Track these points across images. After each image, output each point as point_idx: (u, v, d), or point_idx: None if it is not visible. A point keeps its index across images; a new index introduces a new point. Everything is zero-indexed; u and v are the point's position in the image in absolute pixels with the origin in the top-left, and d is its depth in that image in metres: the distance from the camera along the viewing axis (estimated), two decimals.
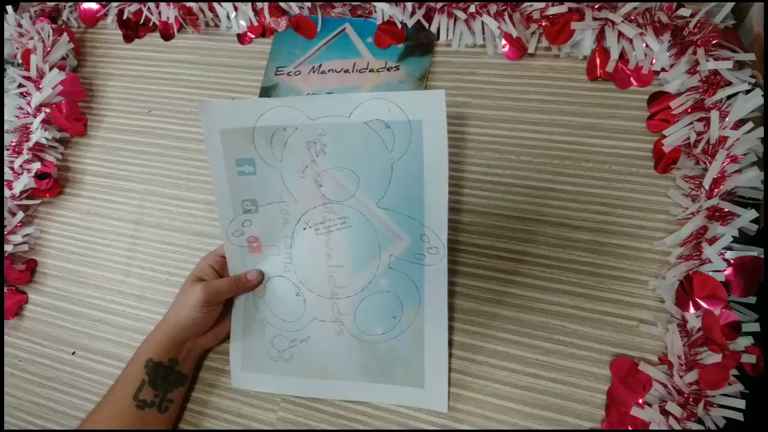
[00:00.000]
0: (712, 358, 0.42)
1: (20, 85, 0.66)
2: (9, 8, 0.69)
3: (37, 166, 0.63)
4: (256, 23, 0.64)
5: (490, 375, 0.49)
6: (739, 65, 0.47)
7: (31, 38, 0.68)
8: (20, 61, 0.68)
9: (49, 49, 0.67)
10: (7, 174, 0.64)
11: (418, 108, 0.46)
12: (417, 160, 0.47)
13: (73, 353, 0.60)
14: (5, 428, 0.59)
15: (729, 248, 0.43)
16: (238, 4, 0.64)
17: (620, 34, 0.51)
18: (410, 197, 0.48)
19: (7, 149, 0.64)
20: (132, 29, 0.70)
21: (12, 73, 0.66)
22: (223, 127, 0.49)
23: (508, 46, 0.56)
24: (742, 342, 0.42)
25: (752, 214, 0.43)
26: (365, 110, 0.47)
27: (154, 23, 0.68)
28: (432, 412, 0.49)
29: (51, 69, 0.66)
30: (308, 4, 0.62)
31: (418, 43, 0.59)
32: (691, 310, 0.44)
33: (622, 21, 0.50)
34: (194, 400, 0.55)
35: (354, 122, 0.47)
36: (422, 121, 0.46)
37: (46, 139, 0.64)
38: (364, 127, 0.47)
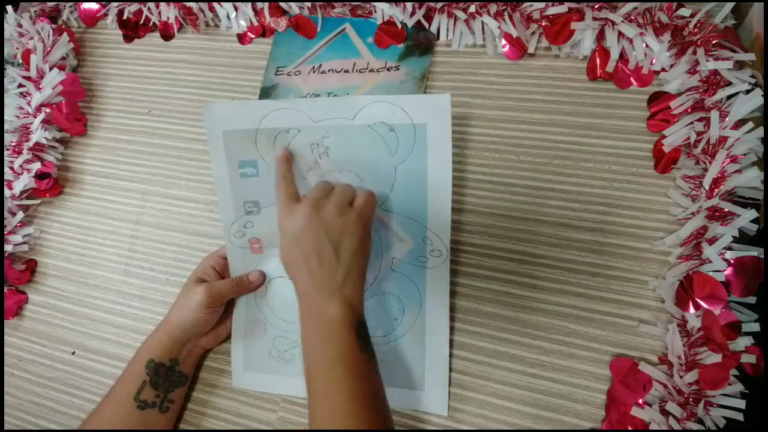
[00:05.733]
0: (712, 358, 0.42)
1: (20, 85, 0.66)
2: (9, 8, 0.69)
3: (37, 166, 0.63)
4: (256, 23, 0.64)
5: (490, 375, 0.49)
6: (739, 65, 0.47)
7: (31, 38, 0.68)
8: (20, 61, 0.68)
9: (49, 49, 0.67)
10: (7, 174, 0.64)
11: (423, 111, 0.46)
12: (421, 163, 0.47)
13: (73, 353, 0.60)
14: (5, 428, 0.59)
15: (729, 248, 0.44)
16: (238, 4, 0.64)
17: (620, 34, 0.51)
18: (413, 200, 0.48)
19: (7, 149, 0.64)
20: (132, 29, 0.70)
21: (12, 73, 0.66)
22: (226, 129, 0.49)
23: (508, 46, 0.56)
24: (742, 342, 0.42)
25: (752, 214, 0.43)
26: (369, 113, 0.47)
27: (154, 23, 0.68)
28: (432, 413, 0.49)
29: (51, 69, 0.66)
30: (308, 4, 0.62)
31: (418, 43, 0.59)
32: (691, 310, 0.44)
33: (622, 21, 0.50)
34: (194, 400, 0.55)
35: (358, 125, 0.47)
36: (427, 125, 0.46)
37: (46, 139, 0.64)
38: (367, 129, 0.47)
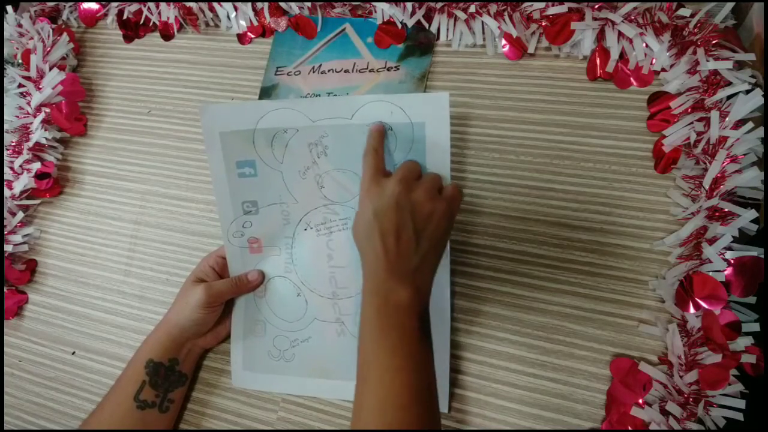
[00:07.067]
0: (712, 358, 0.42)
1: (20, 85, 0.66)
2: (9, 8, 0.69)
3: (37, 166, 0.63)
4: (256, 23, 0.64)
5: (490, 375, 0.49)
6: (739, 65, 0.47)
7: (31, 38, 0.68)
8: (20, 61, 0.68)
9: (49, 49, 0.67)
10: (7, 174, 0.64)
11: (422, 110, 0.46)
12: (420, 162, 0.47)
13: (73, 353, 0.60)
14: (5, 428, 0.59)
15: (729, 248, 0.44)
16: (238, 4, 0.64)
17: (620, 34, 0.51)
18: None
19: (7, 149, 0.64)
20: (132, 29, 0.70)
21: (12, 73, 0.66)
22: (223, 130, 0.49)
23: (508, 46, 0.56)
24: (742, 342, 0.42)
25: (752, 214, 0.43)
26: (367, 112, 0.47)
27: (154, 23, 0.68)
28: None
29: (51, 69, 0.66)
30: (308, 4, 0.62)
31: (418, 43, 0.59)
32: (691, 310, 0.44)
33: (622, 21, 0.50)
34: (194, 400, 0.55)
35: (356, 124, 0.47)
36: (425, 124, 0.46)
37: (46, 139, 0.64)
38: (366, 129, 0.47)
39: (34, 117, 0.65)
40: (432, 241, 0.42)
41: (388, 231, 0.40)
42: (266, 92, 0.62)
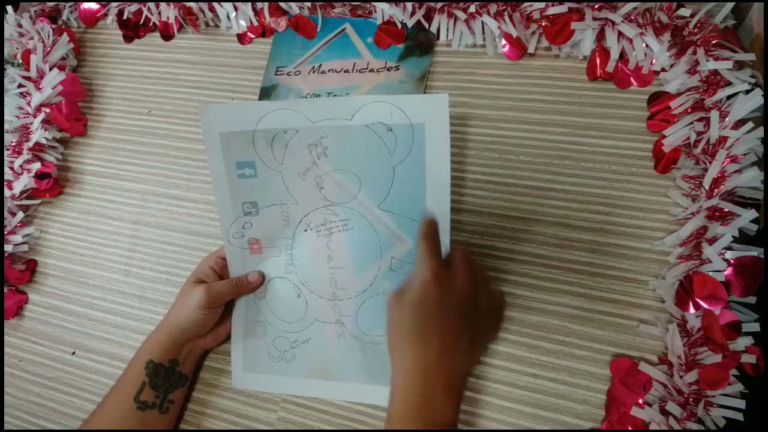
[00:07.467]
0: (712, 358, 0.42)
1: (20, 85, 0.66)
2: (9, 8, 0.69)
3: (37, 166, 0.63)
4: (256, 23, 0.64)
5: (490, 375, 0.49)
6: (739, 65, 0.47)
7: (31, 38, 0.68)
8: (20, 61, 0.68)
9: (49, 49, 0.67)
10: (7, 174, 0.64)
11: (421, 111, 0.46)
12: (419, 162, 0.47)
13: (73, 353, 0.60)
14: (5, 428, 0.59)
15: (729, 248, 0.44)
16: (238, 4, 0.64)
17: (620, 34, 0.51)
18: (412, 199, 0.48)
19: (7, 149, 0.64)
20: (132, 29, 0.70)
21: (12, 73, 0.66)
22: (223, 131, 0.49)
23: (508, 46, 0.56)
24: (742, 342, 0.42)
25: (752, 214, 0.43)
26: (367, 113, 0.47)
27: (154, 23, 0.68)
28: None
29: (51, 69, 0.66)
30: (308, 4, 0.62)
31: (418, 43, 0.59)
32: (691, 310, 0.44)
33: (622, 21, 0.50)
34: (194, 400, 0.55)
35: (356, 125, 0.47)
36: (425, 125, 0.46)
37: (46, 139, 0.64)
38: (365, 129, 0.47)
39: (34, 117, 0.65)
40: (483, 349, 0.40)
41: (446, 333, 0.38)
42: (266, 92, 0.62)
